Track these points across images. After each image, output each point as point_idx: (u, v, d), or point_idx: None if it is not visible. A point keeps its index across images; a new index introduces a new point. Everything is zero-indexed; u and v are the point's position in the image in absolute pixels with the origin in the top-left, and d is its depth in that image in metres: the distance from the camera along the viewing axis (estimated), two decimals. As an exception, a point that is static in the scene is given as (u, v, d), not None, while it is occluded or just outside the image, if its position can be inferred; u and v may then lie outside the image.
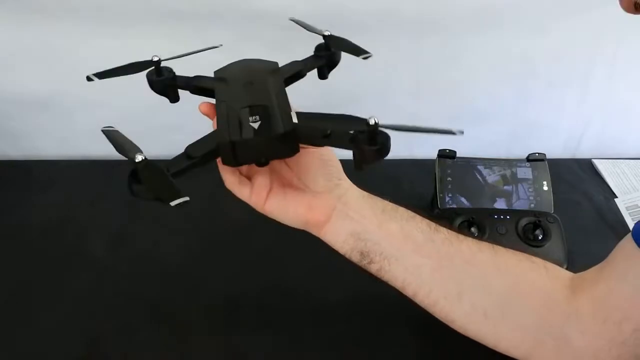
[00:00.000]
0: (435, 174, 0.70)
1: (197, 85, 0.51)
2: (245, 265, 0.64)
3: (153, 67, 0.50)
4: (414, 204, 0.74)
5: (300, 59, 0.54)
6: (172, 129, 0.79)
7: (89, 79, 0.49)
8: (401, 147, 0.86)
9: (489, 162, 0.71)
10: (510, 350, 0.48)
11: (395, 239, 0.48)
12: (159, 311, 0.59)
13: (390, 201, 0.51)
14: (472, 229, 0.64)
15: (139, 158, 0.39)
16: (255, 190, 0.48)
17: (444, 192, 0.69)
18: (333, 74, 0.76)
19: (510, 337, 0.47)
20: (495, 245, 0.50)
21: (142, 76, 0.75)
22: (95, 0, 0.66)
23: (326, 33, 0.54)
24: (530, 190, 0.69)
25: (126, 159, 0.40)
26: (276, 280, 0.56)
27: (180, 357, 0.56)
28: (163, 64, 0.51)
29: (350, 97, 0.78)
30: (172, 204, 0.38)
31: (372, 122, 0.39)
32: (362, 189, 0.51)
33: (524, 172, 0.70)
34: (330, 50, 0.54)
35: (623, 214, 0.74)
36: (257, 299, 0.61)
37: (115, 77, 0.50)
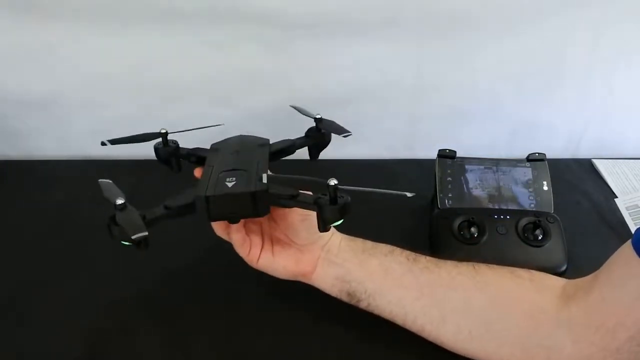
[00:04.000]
0: (435, 174, 0.70)
1: (196, 155, 0.57)
2: (246, 265, 0.64)
3: (160, 138, 0.56)
4: (414, 204, 0.75)
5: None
6: (172, 129, 0.79)
7: (103, 144, 0.55)
8: (401, 147, 0.86)
9: (489, 162, 0.71)
10: None
11: (376, 276, 0.52)
12: (159, 311, 0.59)
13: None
14: (472, 229, 0.64)
15: (119, 202, 0.44)
16: (252, 251, 0.54)
17: (444, 192, 0.69)
18: (333, 73, 0.76)
19: (499, 352, 0.49)
20: (477, 265, 0.52)
21: (141, 76, 0.76)
22: (95, 0, 0.66)
23: (317, 116, 0.59)
24: (530, 190, 0.69)
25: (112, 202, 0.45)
26: (277, 280, 0.56)
27: (181, 357, 0.56)
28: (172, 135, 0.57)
29: (350, 97, 0.79)
30: (133, 236, 0.42)
31: (331, 182, 0.44)
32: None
33: (524, 172, 0.70)
34: (320, 132, 0.59)
35: (623, 214, 0.74)
36: (258, 299, 0.61)
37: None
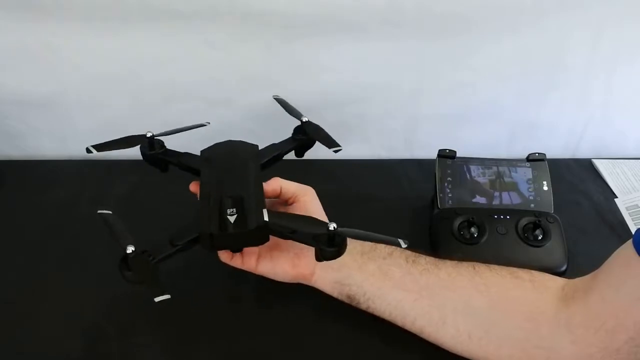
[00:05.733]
0: (435, 174, 0.70)
1: (185, 164, 0.57)
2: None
3: (146, 141, 0.56)
4: (414, 204, 0.75)
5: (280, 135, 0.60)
6: (171, 129, 0.79)
7: (88, 151, 0.54)
8: (401, 147, 0.86)
9: (489, 162, 0.71)
10: None
11: (374, 279, 0.53)
12: (159, 311, 0.59)
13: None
14: (472, 229, 0.64)
15: (129, 250, 0.46)
16: (245, 259, 0.54)
17: (444, 192, 0.69)
18: (333, 73, 0.76)
19: (498, 353, 0.49)
20: (477, 265, 0.52)
21: (141, 76, 0.76)
22: (95, 0, 0.66)
23: (304, 119, 0.59)
24: (530, 190, 0.69)
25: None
26: (278, 281, 0.56)
27: (181, 357, 0.56)
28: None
29: (350, 97, 0.79)
30: (156, 299, 0.45)
31: (331, 227, 0.45)
32: (364, 188, 0.53)
33: (524, 172, 0.70)
34: (306, 135, 0.59)
35: (623, 214, 0.74)
36: (259, 299, 0.61)
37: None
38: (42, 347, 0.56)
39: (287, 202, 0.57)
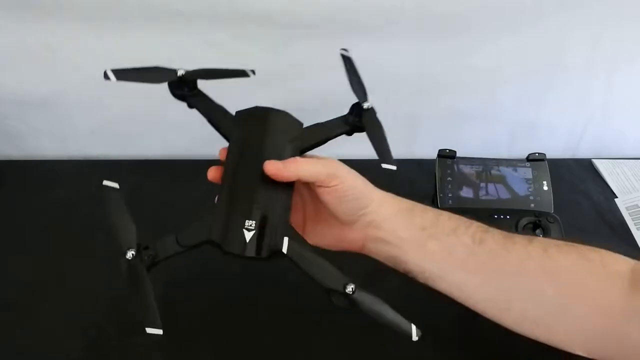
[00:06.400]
0: (435, 173, 0.70)
1: (215, 122, 0.49)
2: (247, 265, 0.64)
3: (176, 79, 0.48)
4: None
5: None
6: (172, 129, 0.79)
7: (105, 75, 0.45)
8: (401, 147, 0.86)
9: (489, 162, 0.71)
10: (569, 350, 0.46)
11: (436, 258, 0.47)
12: (160, 311, 0.59)
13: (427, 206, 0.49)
14: (472, 229, 0.64)
15: (130, 253, 0.42)
16: None
17: (444, 192, 0.69)
18: (333, 73, 0.76)
19: (566, 339, 0.46)
20: (548, 246, 0.47)
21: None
22: (95, 0, 0.66)
23: (366, 105, 0.50)
24: (530, 190, 0.69)
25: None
26: (278, 280, 0.56)
27: (181, 357, 0.56)
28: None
29: (350, 97, 0.78)
30: (147, 330, 0.41)
31: (348, 289, 0.41)
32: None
33: (524, 172, 0.70)
34: (361, 122, 0.50)
35: (623, 214, 0.74)
36: (259, 298, 0.61)
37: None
38: (42, 347, 0.56)
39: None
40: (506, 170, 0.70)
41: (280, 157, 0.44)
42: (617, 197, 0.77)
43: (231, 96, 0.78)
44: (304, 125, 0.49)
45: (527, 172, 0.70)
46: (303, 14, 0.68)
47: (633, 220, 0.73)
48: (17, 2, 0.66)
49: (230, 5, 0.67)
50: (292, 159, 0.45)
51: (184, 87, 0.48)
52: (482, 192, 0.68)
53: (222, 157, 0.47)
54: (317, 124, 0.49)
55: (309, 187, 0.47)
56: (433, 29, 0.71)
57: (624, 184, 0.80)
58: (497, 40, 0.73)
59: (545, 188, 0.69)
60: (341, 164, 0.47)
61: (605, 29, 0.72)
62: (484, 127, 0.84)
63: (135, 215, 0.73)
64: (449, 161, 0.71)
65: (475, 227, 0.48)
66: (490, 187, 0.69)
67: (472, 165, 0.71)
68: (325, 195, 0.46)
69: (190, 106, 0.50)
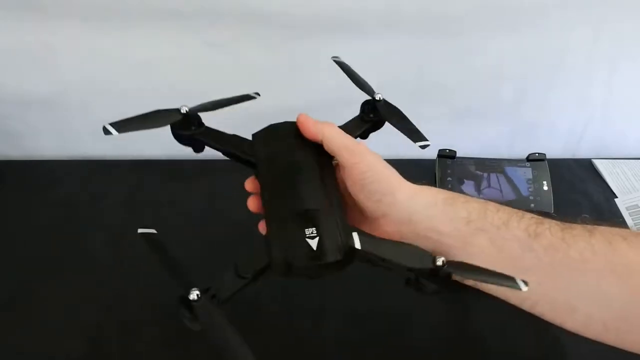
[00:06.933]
0: (435, 173, 0.70)
1: (232, 152, 0.46)
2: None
3: (180, 118, 0.45)
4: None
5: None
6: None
7: (106, 131, 0.44)
8: (401, 147, 0.86)
9: (489, 162, 0.71)
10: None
11: (486, 255, 0.41)
12: (160, 311, 0.59)
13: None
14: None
15: (194, 295, 0.37)
16: None
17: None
18: (333, 73, 0.76)
19: (639, 342, 0.41)
20: (612, 238, 0.41)
21: (141, 77, 0.76)
22: (95, 0, 0.66)
23: (378, 97, 0.48)
24: (530, 190, 0.69)
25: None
26: (278, 279, 0.56)
27: (181, 357, 0.56)
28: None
29: (350, 98, 0.78)
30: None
31: (439, 262, 0.36)
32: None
33: (524, 172, 0.70)
34: (378, 115, 0.48)
35: (623, 214, 0.74)
36: (259, 298, 0.61)
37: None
38: (42, 347, 0.56)
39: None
40: (506, 170, 0.70)
41: (314, 164, 0.42)
42: (617, 197, 0.77)
43: (231, 96, 0.79)
44: None
45: (527, 172, 0.70)
46: (303, 14, 0.68)
47: (633, 220, 0.73)
48: (17, 2, 0.66)
49: (230, 5, 0.67)
50: (325, 122, 0.43)
51: (190, 125, 0.45)
52: (482, 192, 0.68)
53: (251, 188, 0.46)
54: (342, 125, 0.48)
55: (341, 183, 0.44)
56: (433, 28, 0.71)
57: (624, 184, 0.80)
58: (497, 40, 0.73)
59: (545, 188, 0.69)
60: (366, 147, 0.44)
61: (606, 29, 0.72)
62: (484, 127, 0.84)
63: (135, 216, 0.74)
64: (449, 161, 0.71)
65: (528, 218, 0.42)
66: (490, 187, 0.69)
67: (472, 165, 0.71)
68: (348, 178, 0.42)
69: (198, 148, 0.47)
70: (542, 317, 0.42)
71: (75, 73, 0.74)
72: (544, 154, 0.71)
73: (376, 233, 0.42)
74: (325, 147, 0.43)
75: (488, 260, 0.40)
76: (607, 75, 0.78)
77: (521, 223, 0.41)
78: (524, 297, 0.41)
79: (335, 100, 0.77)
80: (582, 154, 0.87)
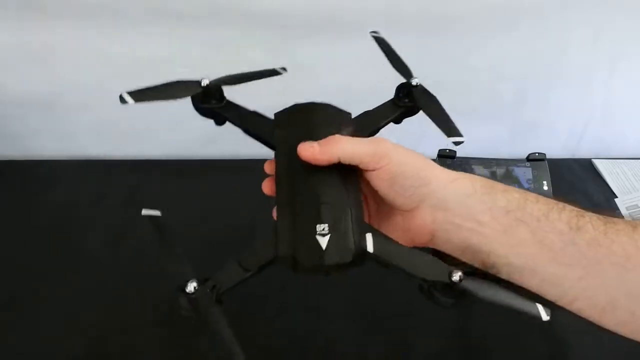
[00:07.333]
0: (435, 174, 0.70)
1: (251, 130, 0.44)
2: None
3: (200, 91, 0.43)
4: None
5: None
6: (172, 129, 0.79)
7: (122, 99, 0.42)
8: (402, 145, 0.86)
9: (489, 162, 0.71)
10: None
11: (526, 248, 0.39)
12: (160, 311, 0.59)
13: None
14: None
15: (191, 288, 0.35)
16: None
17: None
18: (333, 73, 0.76)
19: None
20: None
21: (141, 77, 0.75)
22: (95, 0, 0.66)
23: (414, 82, 0.46)
24: (530, 190, 0.69)
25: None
26: (278, 279, 0.56)
27: (181, 357, 0.56)
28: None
29: (350, 98, 0.78)
30: None
31: (455, 278, 0.34)
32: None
33: (524, 172, 0.70)
34: (413, 101, 0.46)
35: (623, 214, 0.74)
36: (259, 298, 0.61)
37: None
38: (42, 347, 0.56)
39: None
40: (506, 170, 0.70)
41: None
42: (617, 197, 0.77)
43: (231, 96, 0.79)
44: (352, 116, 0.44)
45: (527, 172, 0.70)
46: (303, 14, 0.68)
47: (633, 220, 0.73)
48: (17, 2, 0.66)
49: (230, 5, 0.67)
50: (330, 137, 0.39)
51: (211, 99, 0.44)
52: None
53: (269, 170, 0.43)
54: (366, 112, 0.45)
55: (365, 179, 0.41)
56: (433, 28, 0.71)
57: (624, 184, 0.80)
58: (497, 40, 0.73)
59: (545, 188, 0.69)
60: (389, 141, 0.41)
61: (606, 29, 0.72)
62: (484, 127, 0.83)
63: (134, 216, 0.73)
64: (449, 161, 0.71)
65: (569, 210, 0.40)
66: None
67: (472, 165, 0.71)
68: (375, 179, 0.39)
69: (220, 121, 0.45)
70: (579, 314, 0.40)
71: (75, 73, 0.74)
72: (544, 154, 0.71)
73: (410, 225, 0.40)
74: (344, 163, 0.39)
75: (528, 254, 0.38)
76: (607, 75, 0.78)
77: (562, 215, 0.39)
78: (562, 293, 0.39)
79: (335, 101, 0.77)
80: (582, 154, 0.87)
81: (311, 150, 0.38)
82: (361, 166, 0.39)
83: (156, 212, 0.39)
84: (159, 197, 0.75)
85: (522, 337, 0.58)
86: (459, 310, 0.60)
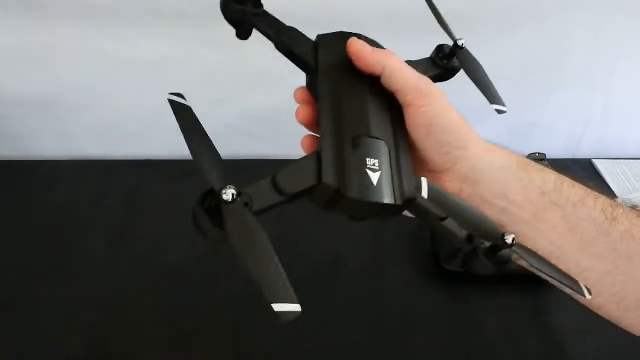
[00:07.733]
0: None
1: (287, 47, 0.39)
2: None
3: None
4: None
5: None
6: (172, 129, 0.79)
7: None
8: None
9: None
10: None
11: (556, 234, 0.36)
12: (160, 311, 0.59)
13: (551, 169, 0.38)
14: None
15: (229, 195, 0.28)
16: None
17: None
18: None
19: None
20: None
21: (141, 76, 0.76)
22: (95, 0, 0.66)
23: (460, 42, 0.43)
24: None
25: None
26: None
27: (181, 357, 0.56)
28: None
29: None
30: (276, 308, 0.27)
31: (508, 239, 0.30)
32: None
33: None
34: (453, 63, 0.43)
35: (623, 214, 0.74)
36: (259, 298, 0.61)
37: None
38: (42, 347, 0.56)
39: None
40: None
41: (383, 90, 0.36)
42: (617, 197, 0.77)
43: (231, 96, 0.79)
44: None
45: (527, 172, 0.70)
46: (303, 14, 0.68)
47: (633, 220, 0.73)
48: (17, 2, 0.66)
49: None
50: (383, 49, 0.37)
51: (247, 1, 0.38)
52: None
53: (300, 98, 0.40)
54: (407, 60, 0.41)
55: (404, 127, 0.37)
56: (433, 28, 0.71)
57: (624, 184, 0.80)
58: (497, 39, 0.73)
59: (545, 188, 0.69)
60: (437, 87, 0.38)
61: (606, 29, 0.72)
62: (484, 127, 0.83)
63: (134, 216, 0.74)
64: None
65: (604, 199, 0.37)
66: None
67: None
68: (412, 121, 0.35)
69: (243, 33, 0.40)
70: (598, 310, 0.38)
71: (74, 73, 0.74)
72: (544, 154, 0.71)
73: (442, 184, 0.37)
74: (385, 84, 0.36)
75: (559, 240, 0.35)
76: (607, 75, 0.78)
77: (597, 203, 0.36)
78: (589, 286, 0.34)
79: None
80: (582, 154, 0.87)
81: (362, 47, 0.35)
82: (400, 97, 0.35)
83: (184, 101, 0.34)
84: (159, 197, 0.75)
85: (521, 337, 0.58)
86: (458, 310, 0.60)
